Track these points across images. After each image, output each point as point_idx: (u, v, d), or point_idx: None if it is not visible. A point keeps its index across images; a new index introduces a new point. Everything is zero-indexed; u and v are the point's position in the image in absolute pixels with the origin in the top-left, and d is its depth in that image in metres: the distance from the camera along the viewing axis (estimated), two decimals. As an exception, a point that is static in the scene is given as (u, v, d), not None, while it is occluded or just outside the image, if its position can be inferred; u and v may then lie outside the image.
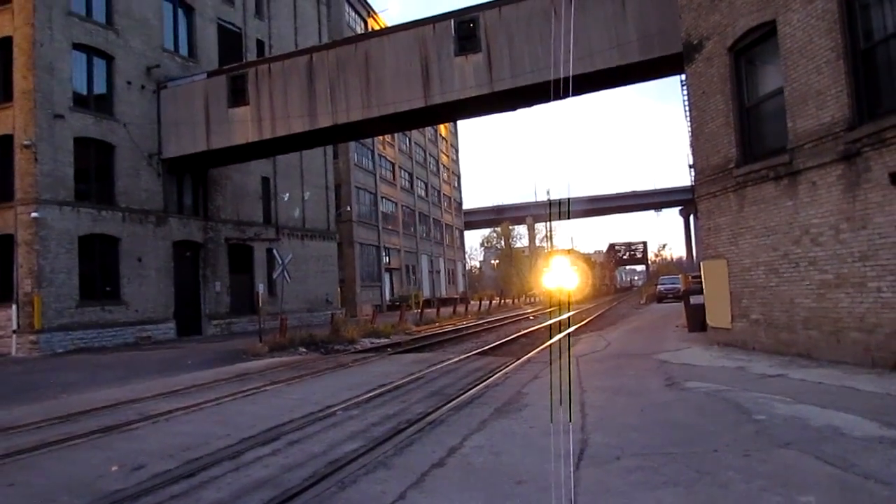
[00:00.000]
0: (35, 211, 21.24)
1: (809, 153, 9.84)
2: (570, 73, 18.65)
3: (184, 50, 28.33)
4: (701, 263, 14.57)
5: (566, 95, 21.11)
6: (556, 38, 18.32)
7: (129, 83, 24.97)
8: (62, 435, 7.66)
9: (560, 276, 36.90)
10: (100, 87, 24.46)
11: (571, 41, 18.59)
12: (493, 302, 47.18)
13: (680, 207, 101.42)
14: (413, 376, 11.82)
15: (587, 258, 71.42)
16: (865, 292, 8.97)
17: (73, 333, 21.95)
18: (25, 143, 21.40)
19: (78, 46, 23.31)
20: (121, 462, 6.24)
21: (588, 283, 55.74)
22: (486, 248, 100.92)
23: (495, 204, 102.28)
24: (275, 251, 24.54)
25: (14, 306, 21.40)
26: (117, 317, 23.70)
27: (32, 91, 21.60)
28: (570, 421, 6.78)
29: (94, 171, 24.00)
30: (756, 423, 6.34)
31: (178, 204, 27.36)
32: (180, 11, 28.31)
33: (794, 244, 10.36)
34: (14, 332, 21.34)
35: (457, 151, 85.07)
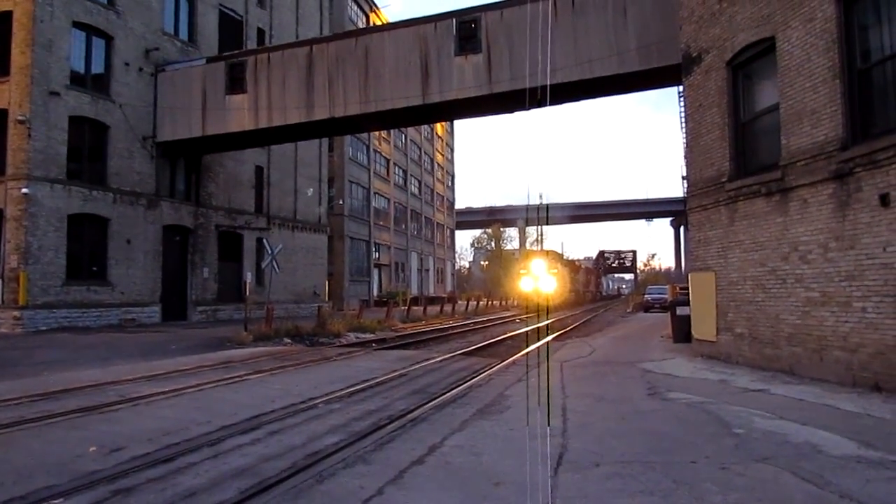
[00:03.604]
0: (25, 187, 21.12)
1: (802, 171, 9.90)
2: (568, 79, 18.71)
3: (184, 34, 28.22)
4: (689, 275, 14.63)
5: (563, 101, 21.24)
6: (555, 43, 18.36)
7: (127, 64, 24.85)
8: (42, 413, 7.61)
9: (538, 280, 35.75)
10: (97, 67, 24.34)
11: (570, 47, 18.65)
12: (481, 303, 47.20)
13: (671, 218, 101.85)
14: (397, 373, 11.82)
15: (571, 262, 70.61)
16: (850, 312, 9.03)
17: (58, 312, 21.84)
18: (19, 118, 21.26)
19: (78, 25, 23.21)
20: (99, 443, 6.21)
21: (570, 289, 54.95)
22: (476, 248, 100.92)
23: (488, 205, 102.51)
24: (265, 241, 24.47)
25: (0, 281, 21.29)
26: (103, 298, 23.59)
27: (30, 67, 21.47)
28: (551, 425, 6.80)
29: (87, 150, 23.90)
30: (735, 436, 6.37)
31: (170, 188, 27.26)
32: (182, -5, 28.21)
33: (783, 260, 10.43)
34: (-2, 307, 21.23)
35: (452, 151, 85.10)
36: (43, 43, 21.80)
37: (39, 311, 21.30)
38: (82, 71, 23.78)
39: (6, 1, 22.16)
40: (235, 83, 23.98)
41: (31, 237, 21.22)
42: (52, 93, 22.01)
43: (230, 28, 30.65)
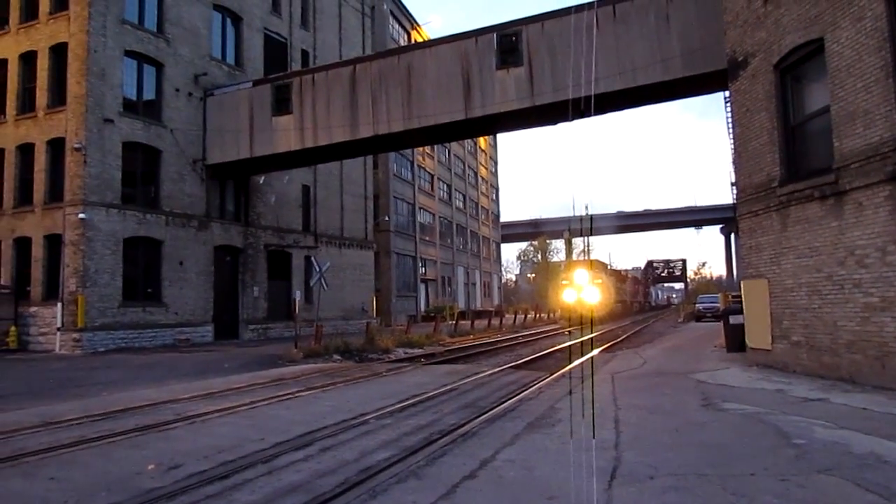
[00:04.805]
0: (82, 212, 21.87)
1: (856, 173, 9.62)
2: (611, 89, 18.57)
3: (230, 59, 28.94)
4: (741, 283, 14.31)
5: (607, 111, 21.06)
6: (597, 53, 18.22)
7: (177, 90, 25.61)
8: (102, 432, 7.83)
9: (581, 291, 34.72)
10: (149, 94, 25.13)
11: (613, 56, 18.51)
12: (529, 316, 46.86)
13: (721, 225, 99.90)
14: (447, 387, 11.81)
15: (616, 272, 68.90)
16: (913, 317, 8.71)
17: (115, 333, 22.49)
18: (76, 145, 22.07)
19: (129, 53, 24.02)
20: (157, 461, 6.35)
21: (616, 299, 53.54)
22: (522, 261, 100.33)
23: (533, 217, 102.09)
24: (313, 259, 24.82)
25: (59, 304, 22.04)
26: (157, 318, 24.20)
27: (84, 96, 22.28)
28: (604, 438, 6.71)
29: (140, 175, 24.63)
30: (795, 447, 6.19)
31: (220, 209, 27.88)
32: (228, 21, 28.97)
33: (839, 265, 10.13)
34: (58, 329, 21.97)
35: (496, 164, 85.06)
36: (97, 72, 22.64)
37: (97, 333, 21.96)
38: (134, 98, 24.58)
39: (62, 33, 23.13)
40: (281, 104, 24.48)
41: (88, 261, 21.94)
42: (106, 120, 22.81)
43: (275, 51, 31.31)
